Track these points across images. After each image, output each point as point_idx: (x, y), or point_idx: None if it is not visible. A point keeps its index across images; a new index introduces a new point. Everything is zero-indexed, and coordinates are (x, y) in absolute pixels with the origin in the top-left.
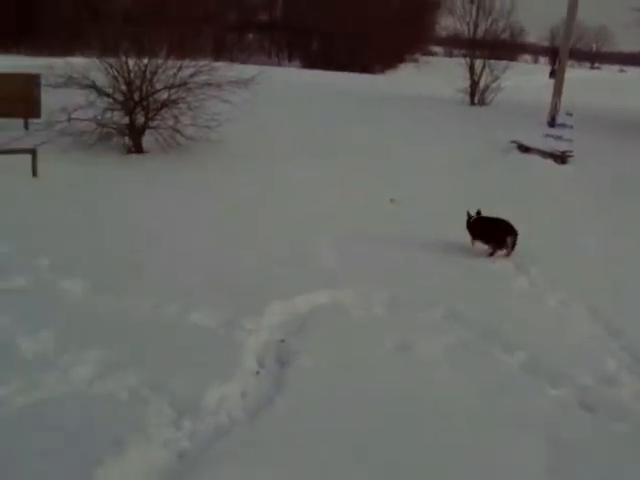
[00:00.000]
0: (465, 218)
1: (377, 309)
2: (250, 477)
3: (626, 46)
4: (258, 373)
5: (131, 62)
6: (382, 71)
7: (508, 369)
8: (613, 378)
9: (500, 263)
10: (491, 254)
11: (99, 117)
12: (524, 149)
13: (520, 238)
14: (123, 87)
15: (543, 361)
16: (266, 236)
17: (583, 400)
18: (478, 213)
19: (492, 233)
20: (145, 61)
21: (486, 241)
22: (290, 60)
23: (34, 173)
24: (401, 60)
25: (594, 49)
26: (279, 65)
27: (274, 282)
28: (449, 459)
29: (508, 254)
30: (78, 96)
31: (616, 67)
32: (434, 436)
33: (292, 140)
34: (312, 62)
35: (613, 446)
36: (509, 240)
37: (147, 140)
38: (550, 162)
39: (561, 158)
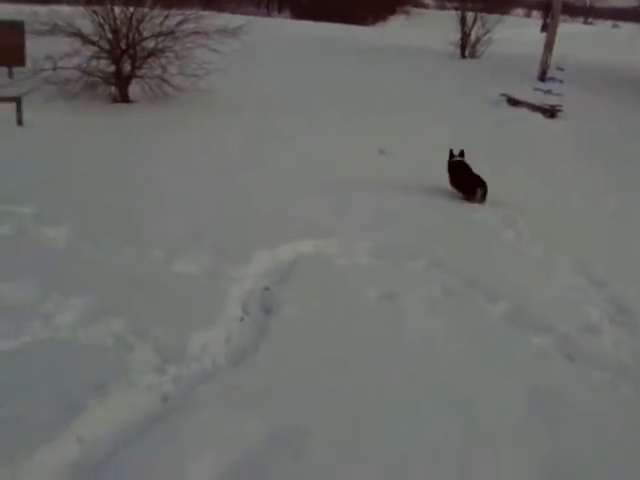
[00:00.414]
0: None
1: (361, 258)
2: (233, 420)
3: (619, 1)
4: (242, 320)
5: (117, 10)
6: (373, 23)
7: (491, 318)
8: (595, 328)
9: (485, 213)
10: (467, 198)
11: (85, 65)
12: (513, 102)
13: (508, 190)
14: (109, 35)
15: (526, 311)
16: (252, 185)
17: (565, 349)
18: (461, 154)
19: (463, 181)
20: (131, 9)
21: (458, 188)
22: (280, 11)
23: (19, 122)
24: (392, 12)
25: (588, 3)
26: (268, 16)
27: (259, 231)
28: (432, 406)
29: (479, 202)
30: (63, 44)
31: (609, 22)
32: (417, 384)
33: (283, 91)
34: (302, 13)
35: (593, 394)
36: (479, 191)
37: (134, 89)
38: (539, 116)
39: (550, 112)
